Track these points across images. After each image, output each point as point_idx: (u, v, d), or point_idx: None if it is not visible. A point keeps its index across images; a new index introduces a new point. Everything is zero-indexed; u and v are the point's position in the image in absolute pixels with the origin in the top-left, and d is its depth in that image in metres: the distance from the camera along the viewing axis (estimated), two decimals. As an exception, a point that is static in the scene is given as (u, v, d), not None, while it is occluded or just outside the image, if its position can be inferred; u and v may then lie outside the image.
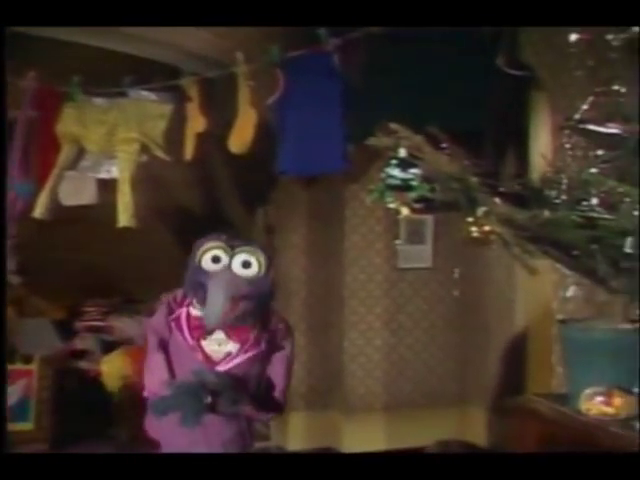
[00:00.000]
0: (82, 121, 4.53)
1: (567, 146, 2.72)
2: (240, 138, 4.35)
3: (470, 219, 2.61)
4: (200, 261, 2.91)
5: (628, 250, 2.21)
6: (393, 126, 2.60)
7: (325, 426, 5.31)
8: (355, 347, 5.30)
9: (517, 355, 4.78)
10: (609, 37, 2.54)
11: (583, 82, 2.83)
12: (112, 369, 5.42)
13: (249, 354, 2.91)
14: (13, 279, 5.54)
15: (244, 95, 4.34)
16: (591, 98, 2.65)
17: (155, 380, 2.90)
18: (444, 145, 2.62)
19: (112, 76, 4.41)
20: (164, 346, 2.97)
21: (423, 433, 5.08)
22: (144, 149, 4.53)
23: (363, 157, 4.47)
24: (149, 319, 3.17)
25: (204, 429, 2.81)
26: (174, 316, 2.97)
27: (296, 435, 5.31)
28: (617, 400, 2.67)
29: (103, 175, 4.69)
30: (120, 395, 5.30)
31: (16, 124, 4.39)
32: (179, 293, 3.02)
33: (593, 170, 2.55)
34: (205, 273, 2.88)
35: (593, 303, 3.32)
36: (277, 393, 2.99)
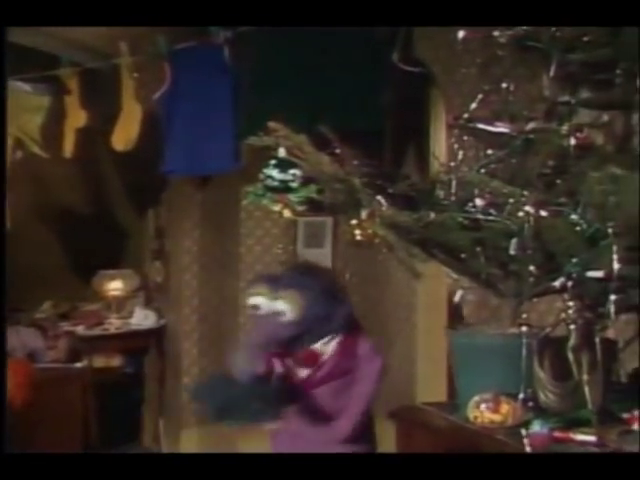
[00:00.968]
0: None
1: (456, 146, 2.64)
2: (124, 134, 4.20)
3: (354, 221, 2.50)
4: None
5: (512, 252, 2.13)
6: (272, 125, 2.44)
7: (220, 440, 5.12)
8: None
9: (411, 361, 4.72)
10: (495, 34, 2.46)
11: (475, 80, 2.76)
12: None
13: None
14: None
15: (128, 88, 4.18)
16: (480, 96, 2.58)
17: None
18: (334, 145, 2.49)
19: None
20: None
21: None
22: (19, 145, 4.29)
23: (259, 156, 4.31)
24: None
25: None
26: None
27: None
28: (504, 407, 2.62)
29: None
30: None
31: None
32: None
33: (483, 170, 2.48)
34: None
35: (486, 307, 3.28)
36: None
